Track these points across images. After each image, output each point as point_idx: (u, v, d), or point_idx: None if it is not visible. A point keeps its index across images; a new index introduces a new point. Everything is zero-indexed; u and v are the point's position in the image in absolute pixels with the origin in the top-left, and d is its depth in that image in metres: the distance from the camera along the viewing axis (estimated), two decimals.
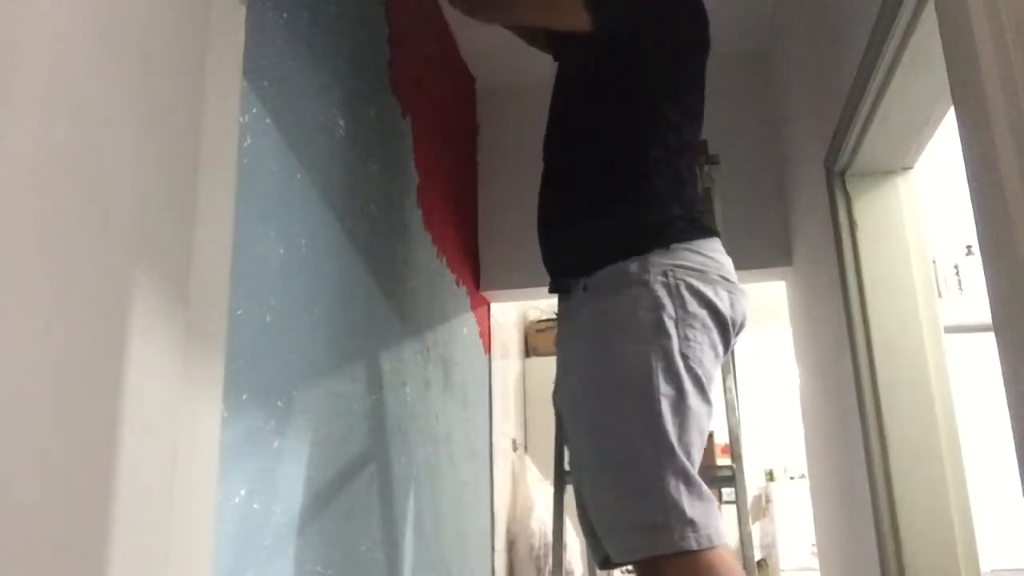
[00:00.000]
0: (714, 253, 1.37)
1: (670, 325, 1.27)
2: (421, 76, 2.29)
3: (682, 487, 1.20)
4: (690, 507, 1.19)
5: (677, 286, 1.30)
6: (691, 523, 1.18)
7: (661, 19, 1.45)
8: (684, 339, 1.28)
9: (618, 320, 1.32)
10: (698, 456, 1.26)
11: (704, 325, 1.30)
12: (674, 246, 1.33)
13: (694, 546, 1.17)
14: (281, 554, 1.28)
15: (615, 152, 1.43)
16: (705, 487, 1.23)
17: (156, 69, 0.97)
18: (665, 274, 1.31)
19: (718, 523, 1.22)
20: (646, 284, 1.30)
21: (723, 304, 1.33)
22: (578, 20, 1.40)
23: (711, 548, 1.19)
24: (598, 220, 1.42)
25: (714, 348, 1.32)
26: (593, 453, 1.31)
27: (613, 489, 1.27)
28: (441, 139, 2.49)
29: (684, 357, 1.27)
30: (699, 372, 1.28)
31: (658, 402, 1.23)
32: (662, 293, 1.29)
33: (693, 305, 1.30)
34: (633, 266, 1.32)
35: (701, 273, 1.32)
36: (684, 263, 1.32)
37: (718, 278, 1.34)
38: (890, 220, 1.91)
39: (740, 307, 1.37)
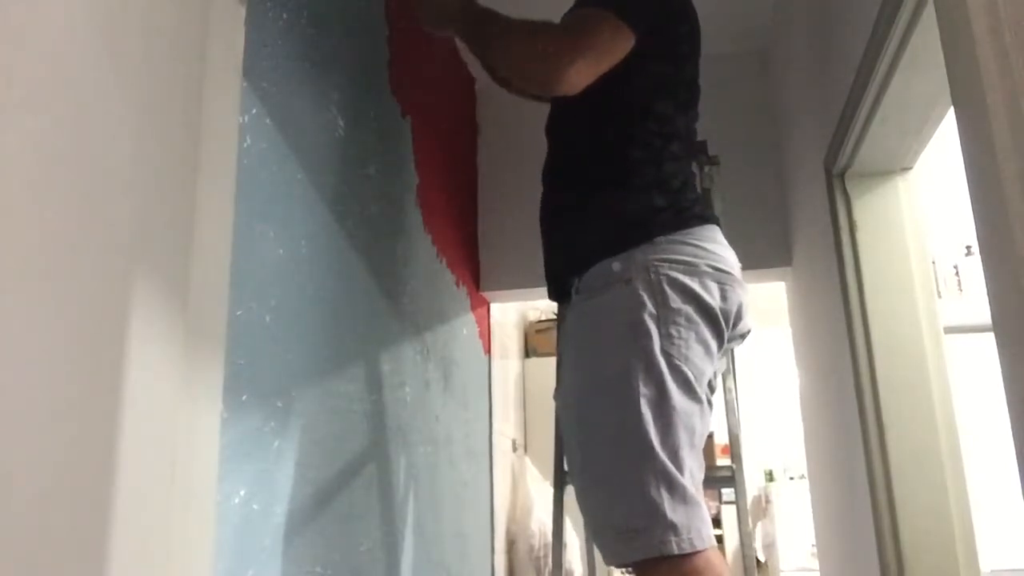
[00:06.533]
0: (706, 243, 1.34)
1: (651, 323, 1.25)
2: (421, 76, 2.29)
3: (663, 490, 1.18)
4: (671, 510, 1.17)
5: (659, 282, 1.28)
6: (672, 527, 1.17)
7: (662, 14, 1.43)
8: (667, 337, 1.25)
9: (600, 321, 1.32)
10: (689, 454, 1.23)
11: (690, 320, 1.27)
12: (659, 239, 1.31)
13: (675, 550, 1.16)
14: (281, 554, 1.28)
15: (597, 149, 1.42)
16: (691, 489, 1.21)
17: (156, 69, 0.97)
18: (648, 270, 1.29)
19: (703, 526, 1.20)
20: (628, 282, 1.29)
21: (711, 297, 1.30)
22: (626, 41, 1.34)
23: (695, 552, 1.17)
24: (584, 218, 1.41)
25: (703, 343, 1.29)
26: (580, 457, 1.31)
27: (598, 493, 1.27)
28: (441, 139, 2.49)
29: (667, 355, 1.24)
30: (685, 369, 1.25)
31: (638, 403, 1.21)
32: (644, 291, 1.27)
33: (676, 301, 1.27)
34: (616, 264, 1.31)
35: (688, 266, 1.30)
36: (669, 256, 1.30)
37: (707, 269, 1.31)
38: (890, 220, 1.91)
39: (734, 298, 1.33)
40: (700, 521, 1.20)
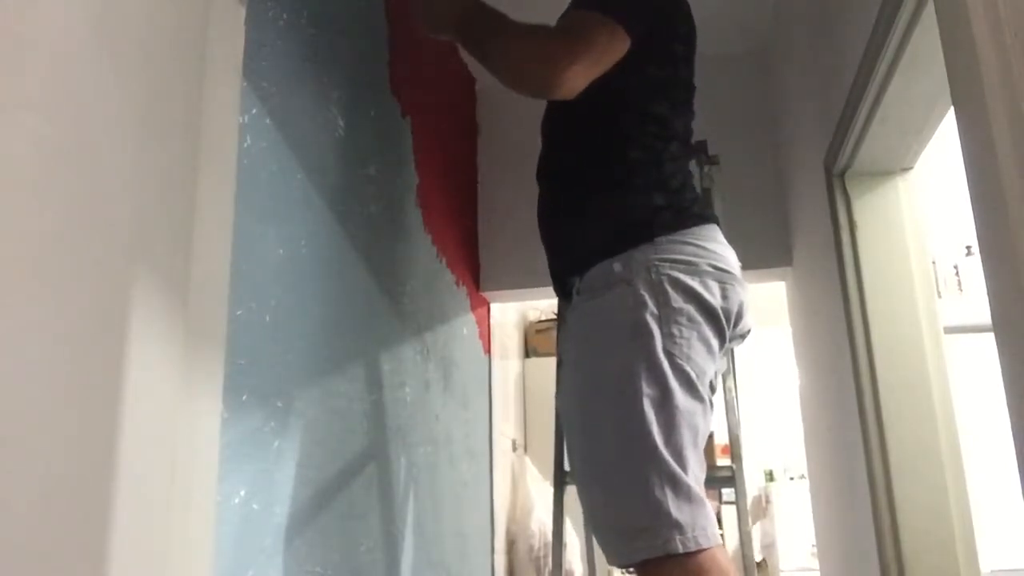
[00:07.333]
0: (706, 242, 1.35)
1: (652, 323, 1.26)
2: (421, 76, 2.29)
3: (668, 489, 1.18)
4: (676, 509, 1.17)
5: (660, 282, 1.28)
6: (677, 525, 1.17)
7: (658, 17, 1.43)
8: (668, 336, 1.26)
9: (602, 321, 1.32)
10: (692, 454, 1.24)
11: (691, 320, 1.28)
12: (659, 239, 1.32)
13: (680, 549, 1.16)
14: (281, 554, 1.28)
15: (597, 150, 1.42)
16: (695, 488, 1.21)
17: (156, 69, 0.97)
18: (649, 270, 1.29)
19: (707, 524, 1.20)
20: (630, 283, 1.29)
21: (712, 296, 1.30)
22: (622, 44, 1.33)
23: (701, 550, 1.17)
24: (584, 219, 1.41)
25: (705, 342, 1.29)
26: (583, 456, 1.31)
27: (602, 493, 1.27)
28: (441, 139, 2.49)
29: (669, 355, 1.25)
30: (687, 369, 1.25)
31: (641, 403, 1.22)
32: (645, 291, 1.28)
33: (678, 300, 1.27)
34: (617, 265, 1.32)
35: (688, 265, 1.30)
36: (670, 256, 1.30)
37: (708, 269, 1.32)
38: (890, 220, 1.91)
39: (734, 297, 1.34)
40: (705, 519, 1.20)
